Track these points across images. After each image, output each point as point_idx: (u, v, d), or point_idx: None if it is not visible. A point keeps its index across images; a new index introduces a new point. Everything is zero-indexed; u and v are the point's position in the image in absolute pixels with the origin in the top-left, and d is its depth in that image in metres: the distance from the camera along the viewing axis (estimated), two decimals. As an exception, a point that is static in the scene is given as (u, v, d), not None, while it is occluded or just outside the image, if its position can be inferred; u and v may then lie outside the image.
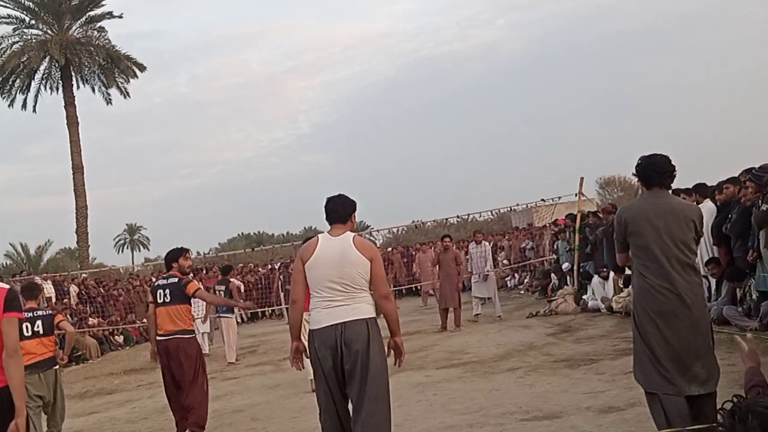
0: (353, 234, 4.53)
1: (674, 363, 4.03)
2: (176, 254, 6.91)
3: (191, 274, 7.60)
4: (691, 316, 4.08)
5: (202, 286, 7.22)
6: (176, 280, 6.69)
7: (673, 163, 4.30)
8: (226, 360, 12.13)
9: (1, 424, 3.45)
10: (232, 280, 12.77)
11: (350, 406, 4.38)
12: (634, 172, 4.45)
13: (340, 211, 4.55)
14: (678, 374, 4.01)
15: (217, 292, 12.19)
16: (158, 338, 6.66)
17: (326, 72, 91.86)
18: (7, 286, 3.78)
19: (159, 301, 6.68)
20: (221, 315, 12.22)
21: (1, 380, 3.48)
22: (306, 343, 4.69)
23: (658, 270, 4.10)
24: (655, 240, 4.12)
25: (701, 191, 9.66)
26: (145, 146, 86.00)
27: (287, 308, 20.61)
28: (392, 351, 4.54)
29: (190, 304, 6.78)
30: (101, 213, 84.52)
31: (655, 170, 4.24)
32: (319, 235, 4.61)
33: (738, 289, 8.61)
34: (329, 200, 4.60)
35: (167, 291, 6.63)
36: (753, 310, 8.21)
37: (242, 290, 13.72)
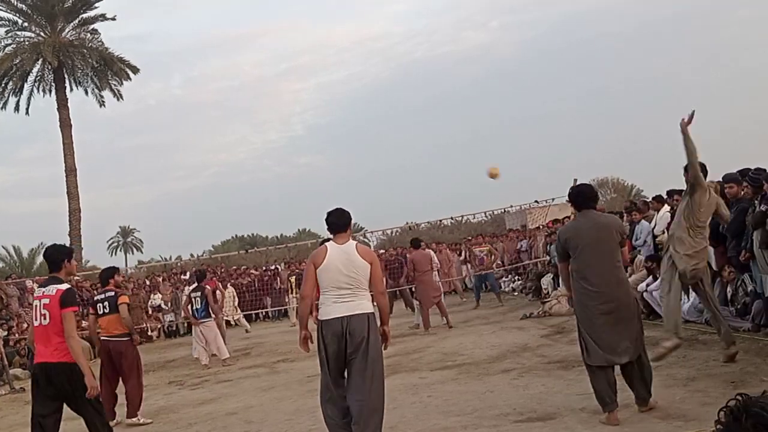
0: (355, 242, 5.55)
1: (608, 344, 5.23)
2: (111, 272, 8.51)
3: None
4: (620, 305, 5.26)
5: (128, 300, 8.42)
6: (113, 293, 8.14)
7: (595, 190, 5.71)
8: (221, 360, 12.09)
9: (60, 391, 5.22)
10: (207, 286, 12.67)
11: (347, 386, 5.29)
12: (568, 199, 5.78)
13: (341, 222, 5.52)
14: (610, 349, 5.22)
15: (193, 299, 12.16)
16: (103, 338, 8.13)
17: (320, 74, 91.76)
18: (66, 287, 5.36)
19: (99, 312, 8.12)
20: (200, 321, 12.10)
21: (57, 356, 5.20)
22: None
23: (591, 272, 5.27)
24: (588, 248, 5.26)
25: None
26: (139, 148, 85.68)
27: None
28: (381, 336, 5.44)
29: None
30: (94, 215, 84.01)
31: (583, 197, 5.50)
32: (327, 244, 5.53)
33: (729, 285, 8.63)
34: (330, 214, 5.55)
35: (106, 303, 8.09)
36: (746, 307, 8.23)
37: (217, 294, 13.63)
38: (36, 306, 5.40)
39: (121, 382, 8.16)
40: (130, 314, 8.52)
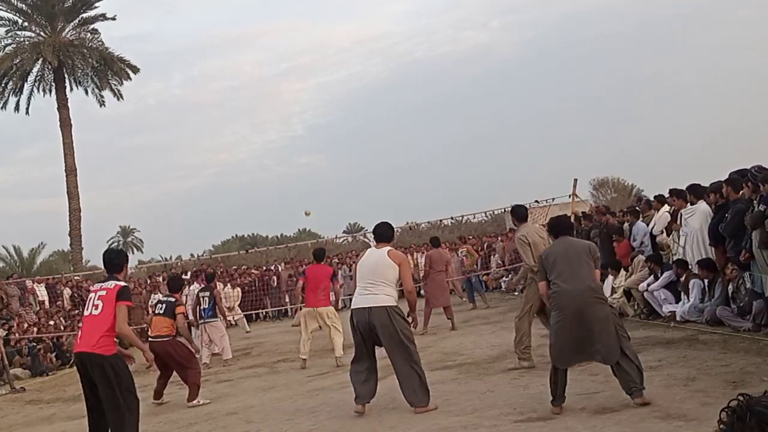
0: (389, 247, 6.70)
1: (576, 344, 5.68)
2: (181, 283, 10.17)
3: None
4: (587, 312, 5.64)
5: (184, 311, 9.51)
6: (173, 300, 9.20)
7: (572, 222, 6.57)
8: (223, 359, 12.19)
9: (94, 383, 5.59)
10: (217, 286, 12.91)
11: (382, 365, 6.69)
12: (547, 228, 6.82)
13: (385, 235, 6.82)
14: (578, 352, 5.72)
15: (201, 298, 12.35)
16: (150, 339, 8.96)
17: (320, 74, 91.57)
18: (124, 283, 5.89)
19: (155, 311, 9.25)
20: (207, 320, 12.23)
21: (95, 348, 5.55)
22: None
23: (563, 281, 5.79)
24: (560, 262, 5.87)
25: (695, 192, 9.67)
26: (139, 148, 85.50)
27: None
28: (411, 321, 6.70)
29: (175, 319, 8.93)
30: (94, 215, 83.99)
31: (560, 227, 6.24)
32: (368, 248, 6.95)
33: (731, 284, 8.63)
34: (378, 226, 6.87)
35: (163, 305, 9.12)
36: (746, 306, 8.23)
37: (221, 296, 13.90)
38: (91, 298, 5.79)
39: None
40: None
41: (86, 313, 5.74)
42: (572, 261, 5.84)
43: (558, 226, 6.30)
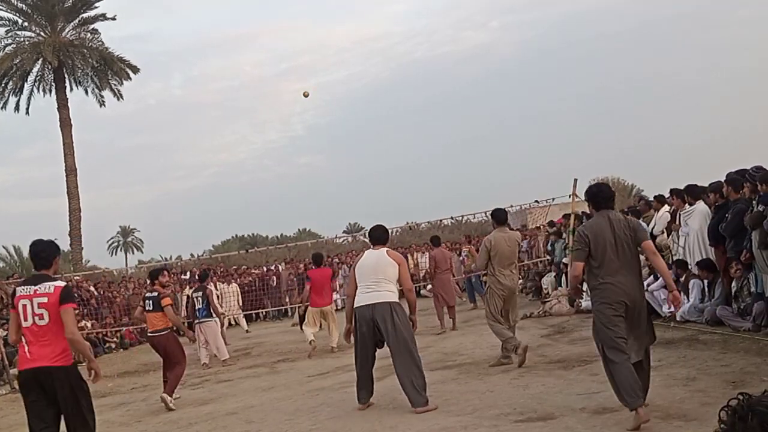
0: (387, 248, 6.87)
1: (628, 333, 5.21)
2: (156, 273, 9.50)
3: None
4: (636, 304, 5.25)
5: (171, 302, 9.33)
6: (156, 294, 9.13)
7: (613, 190, 5.70)
8: (220, 360, 12.15)
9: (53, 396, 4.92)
10: (209, 286, 12.87)
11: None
12: (586, 197, 5.78)
13: (381, 237, 6.97)
14: (627, 345, 5.21)
15: (195, 299, 12.32)
16: (149, 334, 9.29)
17: (320, 74, 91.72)
18: (63, 283, 5.16)
19: (146, 308, 9.20)
20: (201, 320, 12.16)
21: (58, 360, 4.91)
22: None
23: (609, 269, 5.24)
24: (612, 253, 5.25)
25: (692, 193, 9.67)
26: (139, 148, 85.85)
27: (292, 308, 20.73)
28: (411, 322, 6.71)
29: (163, 312, 8.98)
30: (94, 215, 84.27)
31: (602, 197, 5.49)
32: (366, 251, 7.02)
33: (733, 282, 8.63)
34: (374, 229, 7.13)
35: (150, 302, 9.13)
36: (748, 306, 8.23)
37: (217, 295, 13.87)
38: (25, 305, 4.93)
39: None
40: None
41: (27, 323, 4.91)
42: (620, 248, 5.23)
43: (598, 196, 5.52)
